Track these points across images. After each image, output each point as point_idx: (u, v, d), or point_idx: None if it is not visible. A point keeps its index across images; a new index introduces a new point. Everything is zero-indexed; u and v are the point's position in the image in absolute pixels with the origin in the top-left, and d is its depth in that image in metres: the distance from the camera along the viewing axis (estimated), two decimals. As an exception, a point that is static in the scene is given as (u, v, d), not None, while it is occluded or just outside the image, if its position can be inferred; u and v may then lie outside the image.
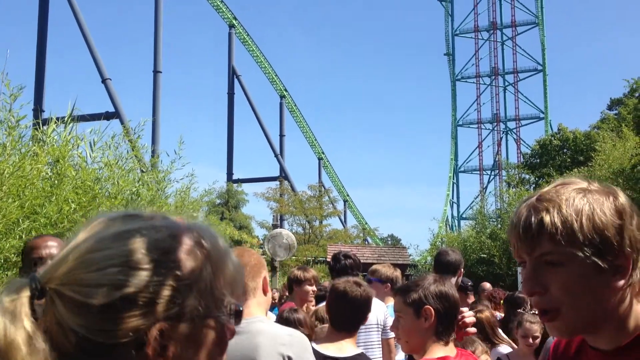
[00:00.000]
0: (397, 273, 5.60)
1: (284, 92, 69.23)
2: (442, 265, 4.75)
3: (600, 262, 1.28)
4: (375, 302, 4.44)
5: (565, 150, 38.42)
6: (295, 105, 70.90)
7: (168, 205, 11.68)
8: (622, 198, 1.34)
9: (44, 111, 40.81)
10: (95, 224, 0.96)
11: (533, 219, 1.31)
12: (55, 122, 10.11)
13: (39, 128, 10.02)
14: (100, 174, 10.08)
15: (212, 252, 0.97)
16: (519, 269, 17.58)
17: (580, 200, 1.31)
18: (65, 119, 9.79)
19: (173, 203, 12.28)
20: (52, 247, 3.08)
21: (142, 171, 11.37)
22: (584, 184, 1.36)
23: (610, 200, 1.32)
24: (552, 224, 1.29)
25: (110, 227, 0.94)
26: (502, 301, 8.21)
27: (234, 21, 63.77)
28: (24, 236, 7.41)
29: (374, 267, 5.67)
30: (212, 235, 1.00)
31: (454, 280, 4.60)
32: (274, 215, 29.59)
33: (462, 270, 4.90)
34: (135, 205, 9.58)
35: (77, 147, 9.77)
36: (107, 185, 9.92)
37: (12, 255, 7.23)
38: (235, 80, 64.94)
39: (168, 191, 12.35)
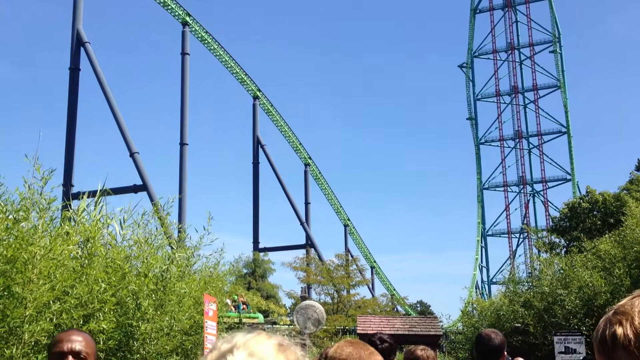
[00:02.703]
0: (430, 352, 5.43)
1: (308, 160, 69.76)
2: (486, 352, 4.71)
3: None
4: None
5: (595, 212, 37.85)
6: (319, 172, 71.34)
7: (196, 281, 11.65)
8: None
9: (73, 185, 41.78)
10: None
11: (607, 331, 1.37)
12: (85, 197, 10.27)
13: (70, 207, 10.15)
14: (130, 252, 10.13)
15: None
16: (555, 338, 17.12)
17: None
18: (96, 199, 9.94)
19: (200, 278, 12.25)
20: (75, 342, 3.00)
21: (171, 248, 11.41)
22: None
23: None
24: (624, 336, 1.33)
25: None
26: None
27: (258, 93, 65.12)
28: (54, 319, 7.39)
29: (410, 349, 5.49)
30: None
31: None
32: (302, 287, 29.25)
33: (505, 352, 4.79)
34: (164, 283, 9.56)
35: (107, 226, 9.86)
36: (136, 263, 9.94)
37: (43, 338, 7.19)
38: (260, 150, 65.78)
39: (195, 266, 12.36)
